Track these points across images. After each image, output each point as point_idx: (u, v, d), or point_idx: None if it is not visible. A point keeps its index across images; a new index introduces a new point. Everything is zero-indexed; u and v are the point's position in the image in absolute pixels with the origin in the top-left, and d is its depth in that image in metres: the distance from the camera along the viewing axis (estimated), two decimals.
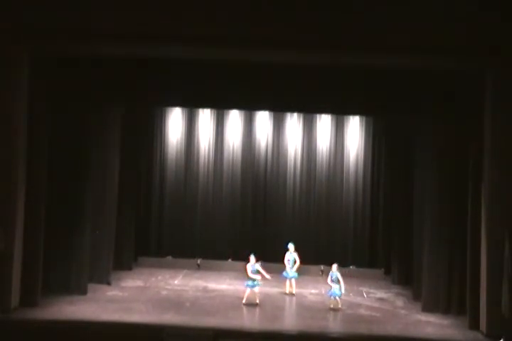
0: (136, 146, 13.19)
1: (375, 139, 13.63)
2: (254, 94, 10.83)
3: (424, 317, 10.25)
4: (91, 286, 11.02)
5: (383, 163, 13.56)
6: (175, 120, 13.81)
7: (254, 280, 10.62)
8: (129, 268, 12.86)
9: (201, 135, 13.80)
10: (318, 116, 13.63)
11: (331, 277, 10.65)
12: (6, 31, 9.26)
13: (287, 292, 11.49)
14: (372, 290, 12.09)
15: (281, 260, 11.61)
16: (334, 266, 10.81)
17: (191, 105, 12.77)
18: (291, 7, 9.20)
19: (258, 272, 10.67)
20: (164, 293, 11.27)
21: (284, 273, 11.54)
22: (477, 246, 9.67)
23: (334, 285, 10.57)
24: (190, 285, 11.91)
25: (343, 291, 10.59)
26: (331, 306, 10.54)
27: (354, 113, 12.95)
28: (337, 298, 10.57)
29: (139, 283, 11.98)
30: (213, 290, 11.50)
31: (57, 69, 10.18)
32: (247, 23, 9.21)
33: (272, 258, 13.18)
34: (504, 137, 9.42)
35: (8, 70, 9.48)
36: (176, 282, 12.19)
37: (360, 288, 12.21)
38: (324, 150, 13.71)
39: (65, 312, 9.61)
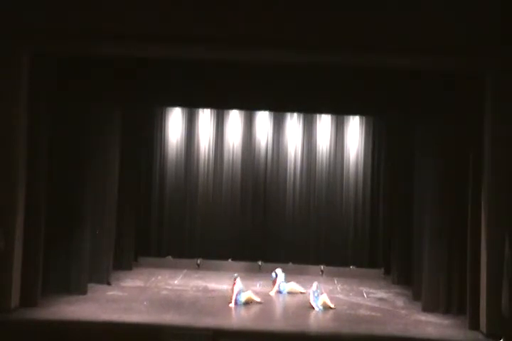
0: (136, 146, 13.21)
1: (375, 139, 13.63)
2: (254, 94, 10.83)
3: (424, 317, 10.24)
4: (91, 286, 11.01)
5: (383, 162, 13.56)
6: (175, 120, 13.81)
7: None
8: (129, 268, 12.86)
9: (201, 135, 13.80)
10: (318, 116, 13.62)
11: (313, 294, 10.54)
12: (6, 31, 9.26)
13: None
14: (372, 290, 12.08)
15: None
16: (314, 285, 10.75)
17: (191, 105, 12.77)
18: (292, 7, 9.21)
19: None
20: (164, 293, 11.26)
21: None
22: (477, 246, 9.66)
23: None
24: (190, 285, 11.90)
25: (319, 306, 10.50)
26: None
27: (354, 113, 12.95)
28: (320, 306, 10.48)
29: (139, 283, 11.97)
30: (213, 290, 11.50)
31: (57, 69, 10.17)
32: (247, 23, 9.21)
33: (272, 259, 13.21)
34: (504, 137, 9.41)
35: (8, 70, 9.48)
36: (175, 282, 12.19)
37: (360, 288, 12.21)
38: (324, 150, 13.70)
39: (65, 312, 9.59)
